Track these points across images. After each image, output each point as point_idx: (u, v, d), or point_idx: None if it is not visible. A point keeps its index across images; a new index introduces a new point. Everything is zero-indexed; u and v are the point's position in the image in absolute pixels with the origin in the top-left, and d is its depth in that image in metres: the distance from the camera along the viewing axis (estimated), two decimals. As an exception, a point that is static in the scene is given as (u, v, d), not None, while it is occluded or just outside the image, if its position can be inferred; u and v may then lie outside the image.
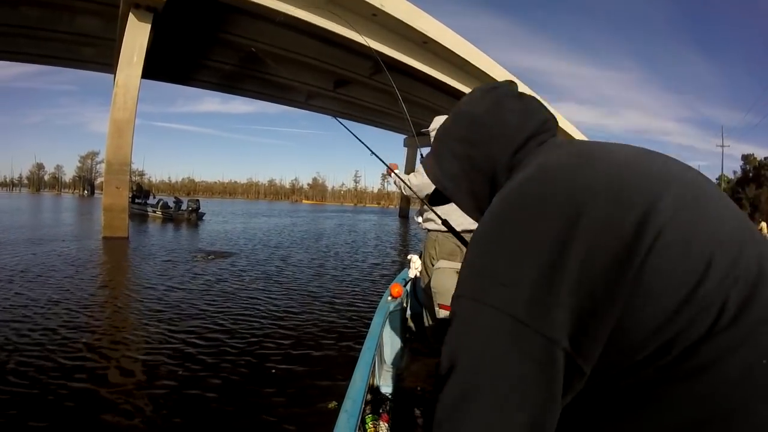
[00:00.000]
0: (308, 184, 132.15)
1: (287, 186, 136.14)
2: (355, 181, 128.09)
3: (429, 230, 2.74)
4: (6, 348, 3.64)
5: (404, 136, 34.84)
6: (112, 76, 16.83)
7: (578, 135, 38.14)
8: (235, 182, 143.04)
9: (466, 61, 20.33)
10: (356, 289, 6.81)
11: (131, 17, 12.06)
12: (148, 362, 3.52)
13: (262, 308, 5.36)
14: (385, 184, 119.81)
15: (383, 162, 2.68)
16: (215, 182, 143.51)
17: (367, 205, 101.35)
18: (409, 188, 2.65)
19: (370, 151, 2.73)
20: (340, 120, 2.91)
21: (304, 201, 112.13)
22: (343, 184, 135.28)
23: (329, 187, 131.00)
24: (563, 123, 34.14)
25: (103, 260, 8.72)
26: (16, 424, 2.53)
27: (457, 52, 19.54)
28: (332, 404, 1.42)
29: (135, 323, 4.58)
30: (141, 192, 25.76)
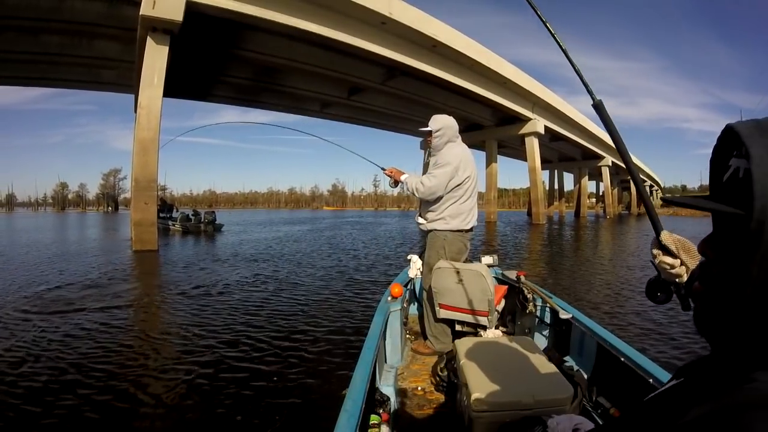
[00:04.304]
0: (328, 191, 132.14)
1: (307, 194, 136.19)
2: (375, 186, 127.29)
3: (437, 230, 2.77)
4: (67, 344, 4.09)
5: (420, 139, 34.75)
6: (133, 96, 17.44)
7: (592, 127, 37.39)
8: (256, 192, 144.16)
9: (476, 61, 20.33)
10: (360, 290, 6.90)
11: (149, 41, 12.52)
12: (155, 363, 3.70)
13: (265, 311, 5.54)
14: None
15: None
16: (236, 193, 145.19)
17: (388, 209, 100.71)
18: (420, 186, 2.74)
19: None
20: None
21: (325, 207, 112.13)
22: (362, 189, 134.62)
23: (349, 193, 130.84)
24: (576, 116, 33.64)
25: (139, 270, 9.27)
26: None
27: (466, 53, 19.60)
28: (345, 392, 1.52)
29: (165, 319, 4.80)
30: (165, 206, 26.46)
